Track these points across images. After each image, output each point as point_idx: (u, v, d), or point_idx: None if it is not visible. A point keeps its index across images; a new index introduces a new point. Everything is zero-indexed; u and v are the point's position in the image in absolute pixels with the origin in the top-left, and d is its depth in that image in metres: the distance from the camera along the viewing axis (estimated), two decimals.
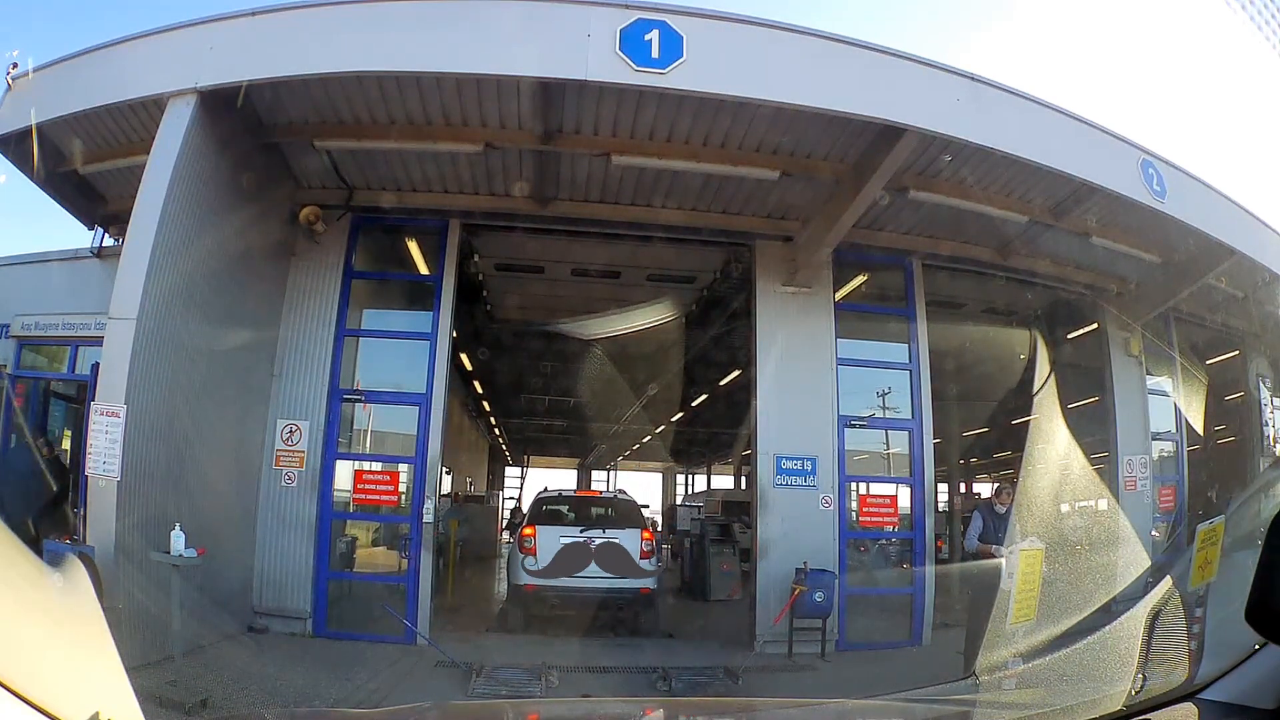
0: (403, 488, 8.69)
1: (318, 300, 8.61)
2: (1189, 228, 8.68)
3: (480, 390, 19.08)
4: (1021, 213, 8.76)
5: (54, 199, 8.91)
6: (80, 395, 8.61)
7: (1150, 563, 7.63)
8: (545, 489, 12.40)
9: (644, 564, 9.55)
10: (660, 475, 32.96)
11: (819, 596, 8.02)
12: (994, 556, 6.38)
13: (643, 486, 32.44)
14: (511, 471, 32.57)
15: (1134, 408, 10.72)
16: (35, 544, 6.72)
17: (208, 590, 6.62)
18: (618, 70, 6.45)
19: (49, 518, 7.48)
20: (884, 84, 7.07)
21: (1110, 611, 4.04)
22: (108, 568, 5.77)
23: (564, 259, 10.49)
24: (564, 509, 11.02)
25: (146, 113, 7.30)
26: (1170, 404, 11.27)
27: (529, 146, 7.86)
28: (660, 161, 7.88)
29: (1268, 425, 12.62)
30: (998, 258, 9.81)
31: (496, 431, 26.46)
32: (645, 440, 23.97)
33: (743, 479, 23.18)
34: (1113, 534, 7.10)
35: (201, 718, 5.02)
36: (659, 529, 18.25)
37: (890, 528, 9.49)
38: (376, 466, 9.04)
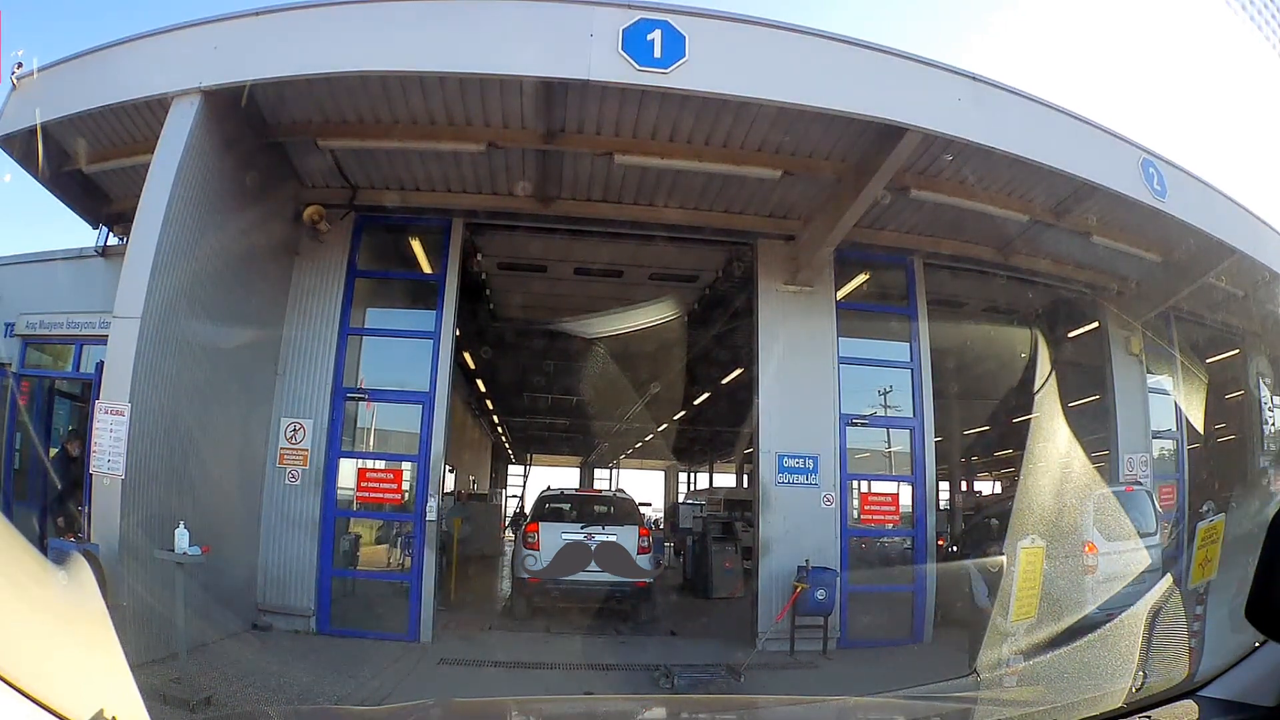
0: (406, 486, 8.71)
1: (321, 299, 8.63)
2: (1189, 227, 8.70)
3: (483, 389, 19.09)
4: (1022, 212, 8.77)
5: (59, 198, 8.93)
6: (85, 394, 8.62)
7: (1150, 560, 7.64)
8: (548, 487, 12.79)
9: (641, 559, 9.83)
10: (663, 474, 32.99)
11: (821, 594, 8.05)
12: None
13: (645, 485, 32.62)
14: (514, 470, 32.62)
15: (1134, 406, 10.72)
16: (41, 542, 6.76)
17: (212, 588, 6.63)
18: (620, 70, 6.47)
19: (62, 515, 7.49)
20: (885, 84, 7.08)
21: (1111, 609, 4.06)
22: (112, 566, 5.79)
23: (566, 258, 10.50)
24: (566, 506, 11.40)
25: (151, 112, 7.32)
26: (1170, 402, 11.26)
27: (531, 146, 7.87)
28: (662, 161, 7.89)
29: (1268, 424, 12.62)
30: (999, 257, 9.82)
31: (499, 430, 26.45)
32: (648, 439, 23.96)
33: (745, 477, 23.18)
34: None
35: (205, 715, 5.04)
36: (659, 527, 18.38)
37: (891, 526, 9.52)
38: (380, 465, 9.06)
